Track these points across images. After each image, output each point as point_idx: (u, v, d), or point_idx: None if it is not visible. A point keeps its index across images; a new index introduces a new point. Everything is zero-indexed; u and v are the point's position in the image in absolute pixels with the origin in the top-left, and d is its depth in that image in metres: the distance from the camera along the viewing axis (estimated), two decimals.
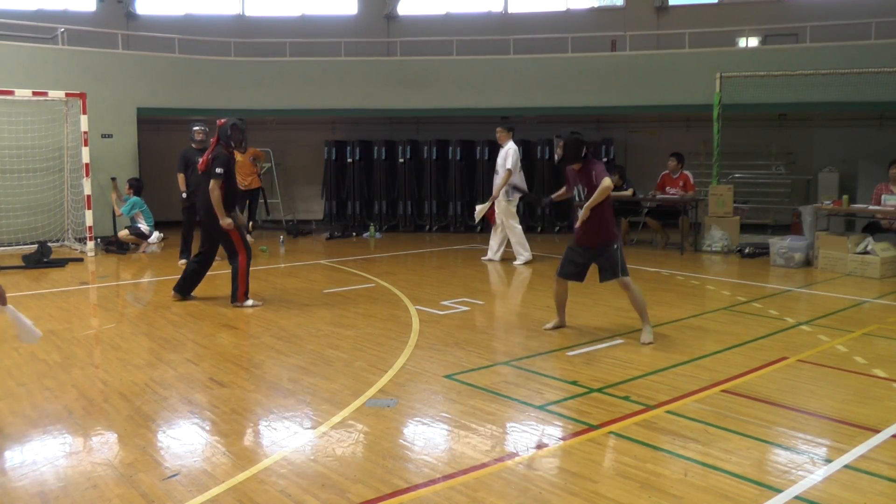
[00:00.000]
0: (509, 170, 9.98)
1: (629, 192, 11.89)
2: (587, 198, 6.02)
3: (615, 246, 6.05)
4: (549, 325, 6.45)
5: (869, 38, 13.26)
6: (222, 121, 7.48)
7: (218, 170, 7.16)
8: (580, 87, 14.22)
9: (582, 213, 6.00)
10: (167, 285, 8.72)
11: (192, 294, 7.77)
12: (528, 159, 14.65)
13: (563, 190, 6.51)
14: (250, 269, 7.47)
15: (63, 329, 6.50)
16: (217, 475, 3.51)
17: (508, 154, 10.11)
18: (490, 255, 10.67)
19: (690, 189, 11.74)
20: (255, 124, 15.89)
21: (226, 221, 7.19)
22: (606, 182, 5.87)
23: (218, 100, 14.36)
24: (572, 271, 6.24)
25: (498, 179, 10.19)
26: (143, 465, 3.64)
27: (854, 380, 4.98)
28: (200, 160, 7.44)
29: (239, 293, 7.36)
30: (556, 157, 6.19)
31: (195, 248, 10.37)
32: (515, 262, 10.26)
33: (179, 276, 7.83)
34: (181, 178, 10.24)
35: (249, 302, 7.39)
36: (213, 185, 7.15)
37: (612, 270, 6.04)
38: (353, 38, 16.86)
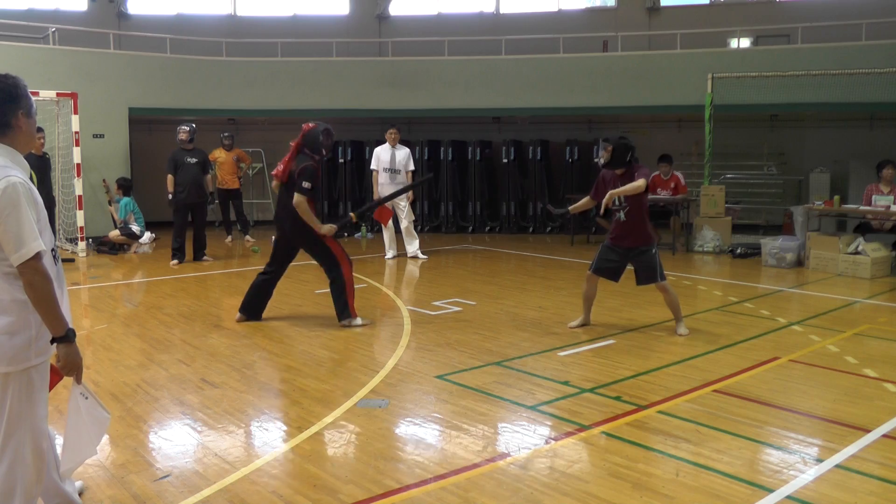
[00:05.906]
0: (413, 171, 10.80)
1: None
2: (626, 202, 6.06)
3: (654, 249, 6.12)
4: (574, 324, 6.50)
5: (860, 40, 13.33)
6: (311, 125, 6.53)
7: (305, 184, 6.27)
8: (572, 88, 14.23)
9: (606, 198, 6.00)
10: (158, 286, 8.70)
11: (261, 316, 6.85)
12: (520, 159, 14.71)
13: (585, 200, 6.43)
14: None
15: None
16: (209, 476, 3.50)
17: (409, 155, 10.84)
18: (412, 250, 10.89)
19: (682, 190, 11.75)
20: (246, 124, 15.88)
21: (325, 228, 6.42)
22: (641, 182, 5.92)
23: (209, 100, 14.32)
24: (607, 268, 6.27)
25: (400, 179, 10.63)
26: (134, 466, 3.63)
27: (845, 379, 5.00)
28: (280, 167, 6.49)
29: (350, 308, 6.57)
30: (601, 160, 6.27)
31: (190, 249, 10.39)
32: (387, 257, 10.78)
33: (245, 296, 6.83)
34: (170, 179, 10.23)
35: (359, 320, 6.60)
36: (300, 201, 6.27)
37: (650, 274, 6.11)
38: (345, 39, 16.84)
